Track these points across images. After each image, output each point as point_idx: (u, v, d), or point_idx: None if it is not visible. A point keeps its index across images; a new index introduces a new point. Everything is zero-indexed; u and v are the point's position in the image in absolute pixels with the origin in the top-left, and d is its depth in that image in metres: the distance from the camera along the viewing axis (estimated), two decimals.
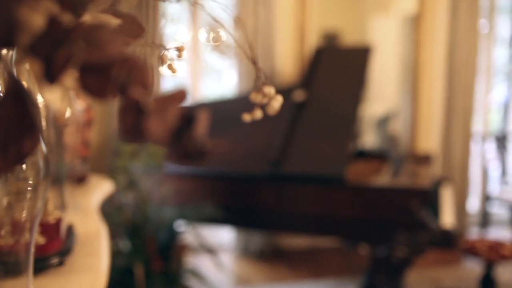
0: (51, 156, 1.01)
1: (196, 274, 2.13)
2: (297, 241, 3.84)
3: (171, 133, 0.32)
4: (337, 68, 2.88)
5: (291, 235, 3.63)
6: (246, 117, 0.53)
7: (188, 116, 0.32)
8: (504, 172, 4.09)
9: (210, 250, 2.19)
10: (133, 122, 0.31)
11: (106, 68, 0.30)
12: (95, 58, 0.30)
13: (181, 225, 2.29)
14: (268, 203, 2.31)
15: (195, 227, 2.45)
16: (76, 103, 1.31)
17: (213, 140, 0.33)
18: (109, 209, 2.24)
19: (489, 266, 2.55)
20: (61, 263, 0.73)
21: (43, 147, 0.47)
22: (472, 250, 2.54)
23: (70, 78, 0.30)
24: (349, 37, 4.08)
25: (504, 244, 2.53)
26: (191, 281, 2.14)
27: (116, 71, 0.30)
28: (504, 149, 4.12)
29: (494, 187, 4.17)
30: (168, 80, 3.79)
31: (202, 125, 0.33)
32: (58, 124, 0.99)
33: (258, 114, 0.54)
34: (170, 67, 1.62)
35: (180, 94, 0.34)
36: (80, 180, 1.46)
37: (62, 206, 1.05)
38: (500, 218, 4.44)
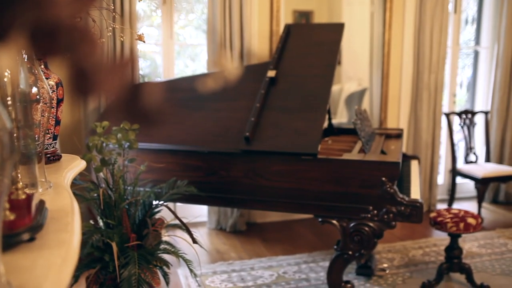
0: (20, 133, 1.00)
1: (171, 250, 2.16)
2: (270, 214, 3.91)
3: (121, 97, 0.33)
4: (309, 44, 2.89)
5: (264, 211, 3.69)
6: (207, 84, 0.55)
7: (135, 87, 0.33)
8: (470, 148, 4.23)
9: (184, 226, 2.21)
10: (81, 82, 0.32)
11: (56, 30, 0.31)
12: (44, 20, 0.30)
13: (156, 201, 2.31)
14: (241, 180, 2.34)
15: (170, 203, 2.47)
16: (45, 80, 1.29)
17: (167, 109, 0.35)
18: (84, 187, 2.23)
19: (455, 237, 2.66)
20: (32, 239, 0.74)
21: (7, 123, 0.47)
22: (438, 223, 2.64)
23: (19, 38, 0.31)
24: (322, 18, 4.09)
25: (468, 217, 2.64)
26: (166, 256, 2.16)
27: (65, 34, 0.31)
28: (470, 126, 4.25)
29: (461, 163, 4.31)
30: (143, 61, 3.74)
31: (151, 96, 0.35)
32: (26, 100, 0.98)
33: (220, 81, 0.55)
34: (140, 38, 1.60)
35: (130, 59, 0.35)
36: (51, 157, 1.45)
37: (33, 183, 1.05)
38: (466, 192, 4.61)
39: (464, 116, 4.24)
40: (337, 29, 2.87)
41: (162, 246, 2.19)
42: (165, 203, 2.29)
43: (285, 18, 3.79)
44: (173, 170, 2.46)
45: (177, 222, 2.24)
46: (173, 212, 2.22)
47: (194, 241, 2.18)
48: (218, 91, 2.64)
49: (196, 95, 2.69)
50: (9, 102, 0.79)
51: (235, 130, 2.41)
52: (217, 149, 2.41)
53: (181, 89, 2.82)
